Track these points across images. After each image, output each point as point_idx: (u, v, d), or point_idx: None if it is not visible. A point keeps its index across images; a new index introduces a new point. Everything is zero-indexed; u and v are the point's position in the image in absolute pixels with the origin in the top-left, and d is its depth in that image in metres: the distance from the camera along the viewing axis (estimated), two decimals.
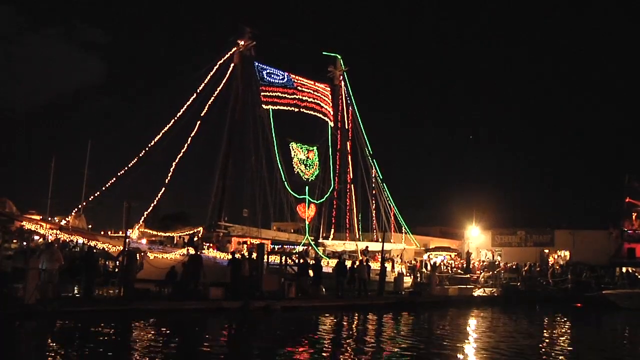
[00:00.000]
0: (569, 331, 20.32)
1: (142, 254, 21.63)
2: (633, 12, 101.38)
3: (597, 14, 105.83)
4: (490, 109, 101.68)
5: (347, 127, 35.98)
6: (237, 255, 22.72)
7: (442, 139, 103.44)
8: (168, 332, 15.50)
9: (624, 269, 32.36)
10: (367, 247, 32.45)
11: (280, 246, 30.59)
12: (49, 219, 24.35)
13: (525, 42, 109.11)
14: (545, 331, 19.65)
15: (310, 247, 30.45)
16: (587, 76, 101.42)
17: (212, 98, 27.81)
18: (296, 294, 22.27)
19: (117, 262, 22.00)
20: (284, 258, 24.60)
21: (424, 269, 32.77)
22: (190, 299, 19.44)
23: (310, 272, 23.66)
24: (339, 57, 36.42)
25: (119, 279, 19.84)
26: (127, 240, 20.27)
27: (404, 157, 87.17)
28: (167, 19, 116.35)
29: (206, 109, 27.53)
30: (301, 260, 24.27)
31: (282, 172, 29.84)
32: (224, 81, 28.52)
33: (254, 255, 22.67)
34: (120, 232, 22.07)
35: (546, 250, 42.37)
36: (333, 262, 26.68)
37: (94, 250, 20.40)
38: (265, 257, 23.26)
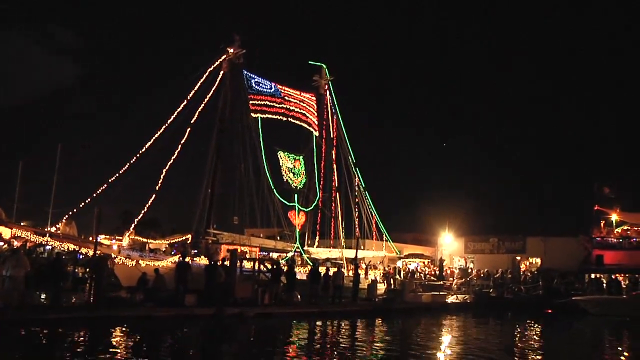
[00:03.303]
0: (538, 337, 20.46)
1: (113, 259, 21.30)
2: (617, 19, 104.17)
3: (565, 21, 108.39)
4: (464, 116, 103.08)
5: (331, 136, 36.33)
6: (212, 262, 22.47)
7: (415, 145, 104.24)
8: (138, 340, 15.21)
9: (593, 276, 32.75)
10: (356, 256, 32.48)
11: (267, 253, 30.57)
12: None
13: (508, 51, 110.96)
14: (515, 337, 19.79)
15: (297, 254, 30.53)
16: (561, 83, 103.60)
17: (202, 105, 27.76)
18: (270, 301, 22.07)
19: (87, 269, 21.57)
20: (257, 264, 24.38)
21: (397, 276, 32.80)
22: (163, 305, 19.06)
23: (284, 279, 23.47)
24: (324, 66, 37.12)
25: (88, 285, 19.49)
26: (117, 247, 19.95)
27: (375, 162, 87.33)
28: (151, 23, 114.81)
29: (196, 116, 27.44)
30: (274, 267, 24.05)
31: (269, 180, 30.01)
32: (213, 89, 28.52)
33: (227, 262, 22.48)
34: (90, 238, 21.60)
35: (518, 257, 42.58)
36: (321, 269, 26.75)
37: (63, 257, 19.94)
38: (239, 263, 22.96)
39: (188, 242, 26.47)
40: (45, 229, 21.75)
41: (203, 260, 23.85)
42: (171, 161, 25.91)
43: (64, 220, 22.32)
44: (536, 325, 23.64)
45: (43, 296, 20.02)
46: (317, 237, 35.37)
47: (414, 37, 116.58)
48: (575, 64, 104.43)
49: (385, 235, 36.53)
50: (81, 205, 23.06)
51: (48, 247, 21.90)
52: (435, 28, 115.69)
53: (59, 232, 21.56)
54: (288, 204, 31.39)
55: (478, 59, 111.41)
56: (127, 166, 24.42)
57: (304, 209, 33.15)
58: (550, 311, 27.73)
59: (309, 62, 36.82)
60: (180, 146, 26.34)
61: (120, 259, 21.68)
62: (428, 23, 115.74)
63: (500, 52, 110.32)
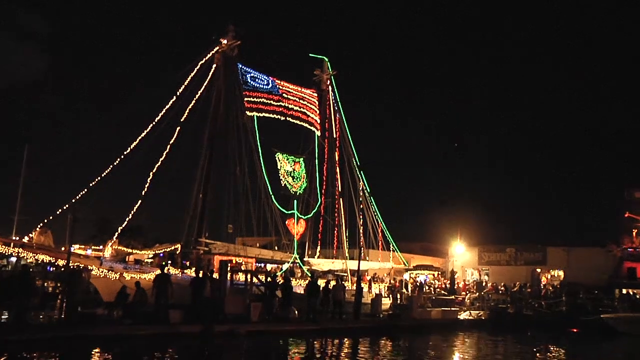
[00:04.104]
0: (562, 359, 19.31)
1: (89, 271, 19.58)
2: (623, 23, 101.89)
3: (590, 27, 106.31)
4: (479, 119, 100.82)
5: (334, 136, 34.47)
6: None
7: (425, 148, 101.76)
8: None
9: (624, 291, 30.95)
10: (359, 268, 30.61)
11: (263, 265, 29.06)
12: None
13: (519, 52, 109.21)
14: (536, 358, 18.66)
15: (296, 266, 28.96)
16: (581, 87, 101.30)
17: (193, 101, 26.01)
18: (263, 317, 20.74)
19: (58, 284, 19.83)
20: (249, 277, 22.74)
21: (404, 290, 31.02)
22: (144, 322, 17.80)
23: (279, 293, 21.92)
24: (326, 59, 34.92)
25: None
26: (102, 258, 18.81)
27: (379, 165, 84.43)
28: (140, 15, 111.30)
29: (186, 113, 25.69)
30: (268, 279, 22.31)
31: (267, 185, 28.20)
32: (205, 83, 26.82)
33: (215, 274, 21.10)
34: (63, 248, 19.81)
35: (538, 270, 40.67)
36: (321, 281, 25.31)
37: (30, 269, 18.24)
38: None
39: (177, 252, 24.77)
40: (13, 238, 19.94)
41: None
42: (159, 163, 24.19)
43: (38, 229, 20.56)
44: (559, 345, 22.11)
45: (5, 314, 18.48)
46: (319, 247, 33.46)
47: (423, 38, 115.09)
48: (570, 74, 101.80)
49: (393, 245, 34.64)
50: (58, 212, 21.36)
51: (13, 259, 20.09)
52: (449, 30, 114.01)
53: (32, 241, 19.83)
54: (286, 212, 29.50)
55: (493, 60, 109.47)
56: (109, 168, 22.79)
57: (304, 217, 31.23)
58: (575, 330, 25.99)
59: (310, 54, 34.70)
60: (168, 147, 24.57)
61: (101, 272, 19.95)
62: (442, 26, 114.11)
63: (517, 53, 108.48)
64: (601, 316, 26.06)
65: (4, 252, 18.54)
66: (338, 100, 34.90)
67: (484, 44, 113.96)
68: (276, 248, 29.66)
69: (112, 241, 22.84)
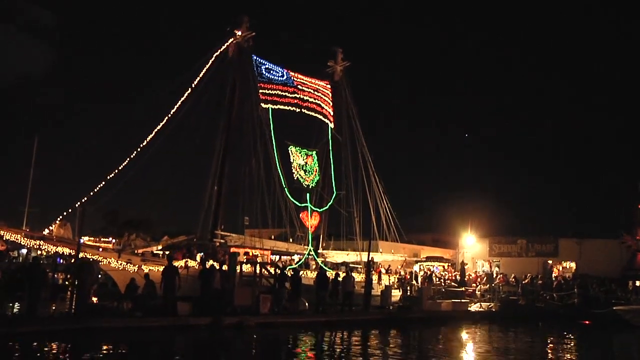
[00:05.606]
0: (575, 352, 18.89)
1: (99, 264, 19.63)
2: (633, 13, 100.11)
3: (600, 18, 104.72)
4: (489, 111, 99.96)
5: (348, 128, 33.82)
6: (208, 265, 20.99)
7: (436, 140, 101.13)
8: (123, 354, 14.21)
9: (637, 283, 30.38)
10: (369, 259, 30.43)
11: (279, 257, 29.22)
12: None
13: (529, 44, 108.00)
14: (549, 351, 18.34)
15: (310, 258, 28.91)
16: (593, 80, 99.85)
17: (207, 93, 26.01)
18: (272, 309, 20.69)
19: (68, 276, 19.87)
20: (258, 268, 22.65)
21: (414, 281, 30.65)
22: (153, 315, 17.91)
23: (288, 285, 21.83)
24: (340, 50, 34.27)
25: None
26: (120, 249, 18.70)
27: (392, 158, 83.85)
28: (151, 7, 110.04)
29: (201, 106, 25.65)
30: (277, 271, 22.27)
31: (282, 178, 28.00)
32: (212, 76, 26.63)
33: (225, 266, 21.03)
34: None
35: (549, 261, 40.08)
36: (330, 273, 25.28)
37: (41, 261, 18.32)
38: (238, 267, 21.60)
39: (193, 244, 24.75)
40: (24, 229, 20.04)
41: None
42: (175, 156, 24.42)
43: (57, 222, 20.68)
44: (571, 338, 21.81)
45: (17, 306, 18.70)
46: (332, 240, 33.20)
47: (436, 30, 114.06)
48: (582, 66, 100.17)
49: (404, 236, 34.33)
50: (77, 205, 21.41)
51: (23, 251, 20.21)
52: (468, 23, 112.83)
53: (52, 234, 19.97)
54: (299, 204, 29.27)
55: (504, 52, 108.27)
56: (127, 161, 22.82)
57: (318, 210, 30.94)
58: (587, 322, 25.67)
59: (323, 45, 34.52)
60: (184, 140, 24.81)
61: (120, 264, 20.10)
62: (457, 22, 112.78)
63: (528, 47, 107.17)
64: (614, 308, 25.60)
65: (25, 244, 18.65)
66: (351, 91, 34.22)
67: (501, 39, 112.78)
68: (291, 240, 29.50)
69: (132, 235, 22.89)
